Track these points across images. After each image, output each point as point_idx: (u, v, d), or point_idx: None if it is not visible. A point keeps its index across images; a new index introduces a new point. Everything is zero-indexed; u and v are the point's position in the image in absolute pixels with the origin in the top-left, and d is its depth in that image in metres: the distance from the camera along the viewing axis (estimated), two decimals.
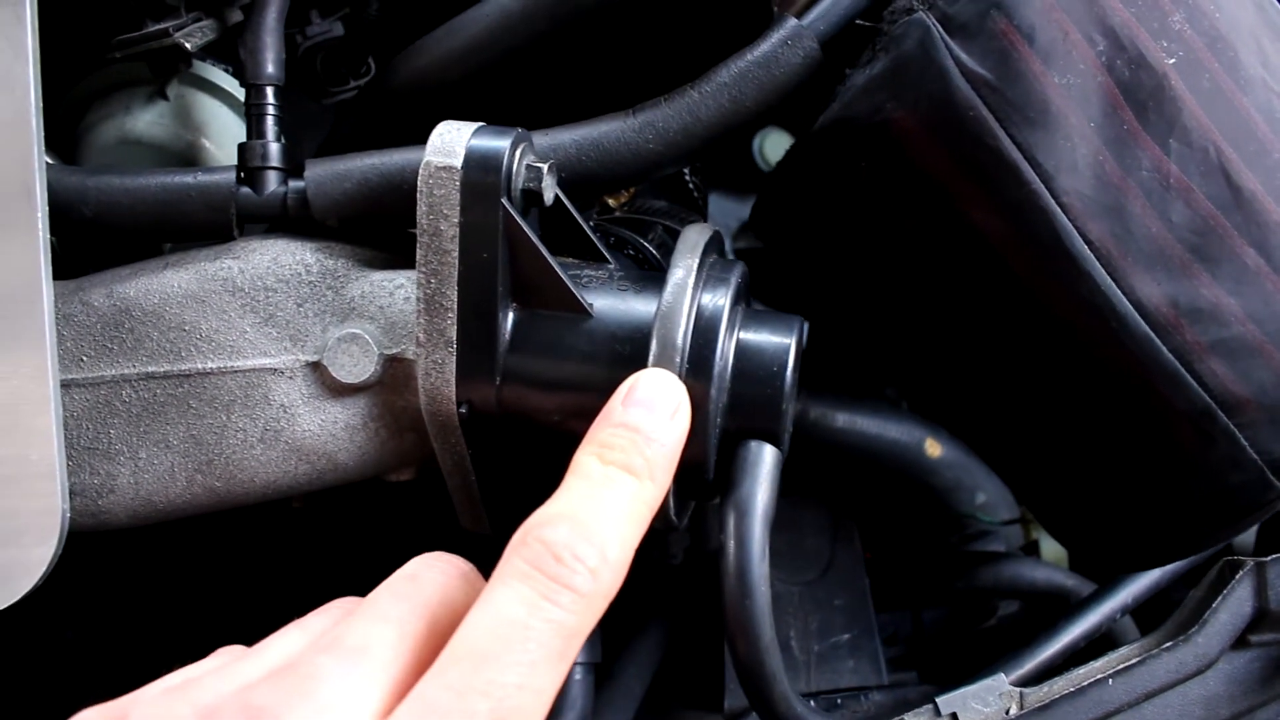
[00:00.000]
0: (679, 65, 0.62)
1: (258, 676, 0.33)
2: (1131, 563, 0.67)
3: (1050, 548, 0.87)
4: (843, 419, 0.88)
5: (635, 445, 0.42)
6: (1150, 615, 0.75)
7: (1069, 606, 0.74)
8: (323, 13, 0.70)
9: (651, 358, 0.51)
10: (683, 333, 0.51)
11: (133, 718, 0.32)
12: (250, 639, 0.38)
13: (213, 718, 0.31)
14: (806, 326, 0.57)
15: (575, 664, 0.73)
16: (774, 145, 1.07)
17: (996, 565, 0.81)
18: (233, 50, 0.67)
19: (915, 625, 0.83)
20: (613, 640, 0.74)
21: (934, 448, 0.91)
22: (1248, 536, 0.82)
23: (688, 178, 0.72)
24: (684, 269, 0.52)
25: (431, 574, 0.38)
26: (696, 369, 0.51)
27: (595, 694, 0.72)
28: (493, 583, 0.36)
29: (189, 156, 0.67)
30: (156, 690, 0.34)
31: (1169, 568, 0.75)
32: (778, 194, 0.67)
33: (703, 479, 0.54)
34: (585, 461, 0.41)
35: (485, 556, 0.85)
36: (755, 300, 0.99)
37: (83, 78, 0.68)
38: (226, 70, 0.69)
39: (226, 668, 0.34)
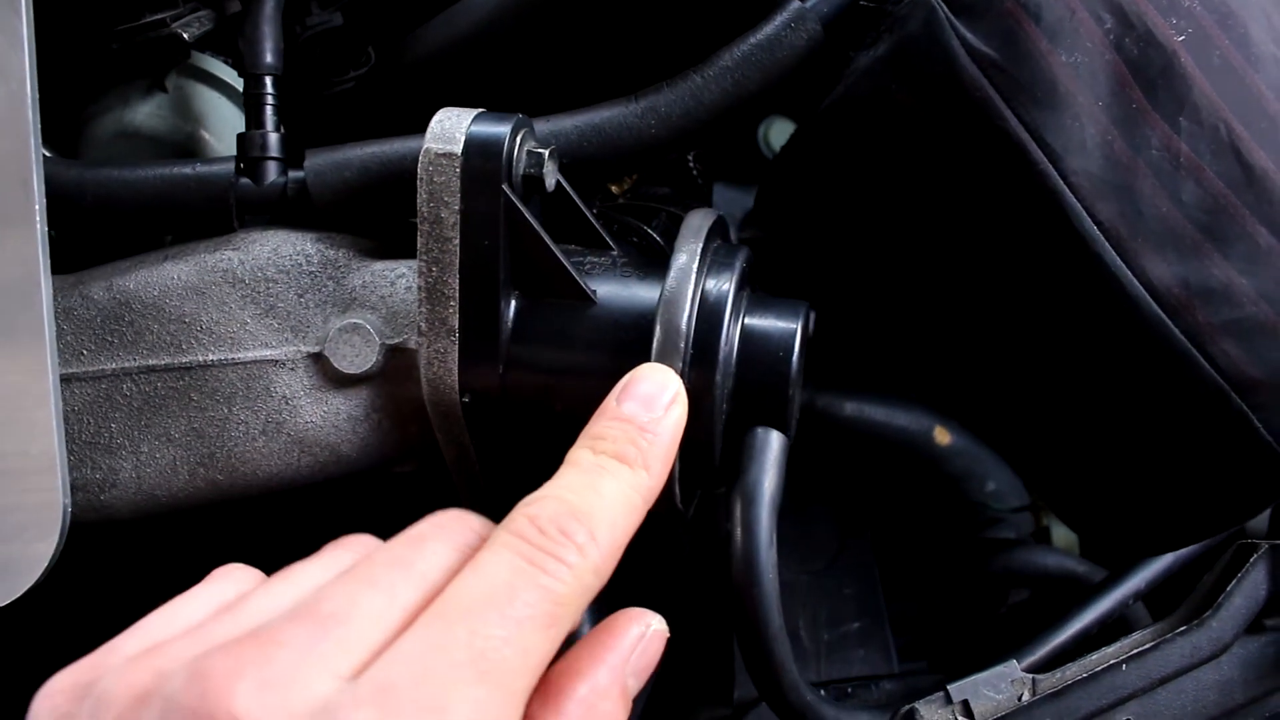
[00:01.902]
0: (682, 49, 0.61)
1: (225, 638, 0.32)
2: (1144, 548, 0.67)
3: (1061, 535, 0.86)
4: (850, 407, 0.87)
5: (628, 435, 0.42)
6: (1162, 601, 0.74)
7: (1081, 592, 0.73)
8: (321, 3, 0.69)
9: (655, 344, 0.50)
10: (687, 318, 0.50)
11: (99, 688, 0.32)
12: None
13: (163, 682, 0.30)
14: (813, 314, 0.56)
15: None
16: (779, 133, 1.06)
17: (1007, 553, 0.80)
18: (232, 42, 0.67)
19: (924, 614, 0.83)
20: None
21: (943, 435, 0.90)
22: (1260, 518, 0.81)
23: (691, 164, 0.72)
24: (687, 254, 0.52)
25: (438, 541, 0.38)
26: (701, 355, 0.51)
27: None
28: (480, 552, 0.36)
29: (188, 148, 0.67)
30: (130, 650, 0.34)
31: (1182, 552, 0.74)
32: (782, 180, 0.66)
33: (709, 465, 0.53)
34: (577, 453, 0.42)
35: None
36: (761, 289, 0.99)
37: (81, 70, 0.67)
38: (226, 62, 0.69)
39: (202, 629, 0.34)
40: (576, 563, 0.36)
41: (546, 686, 0.36)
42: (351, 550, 0.39)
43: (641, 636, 0.40)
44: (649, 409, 0.43)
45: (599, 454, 0.41)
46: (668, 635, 0.41)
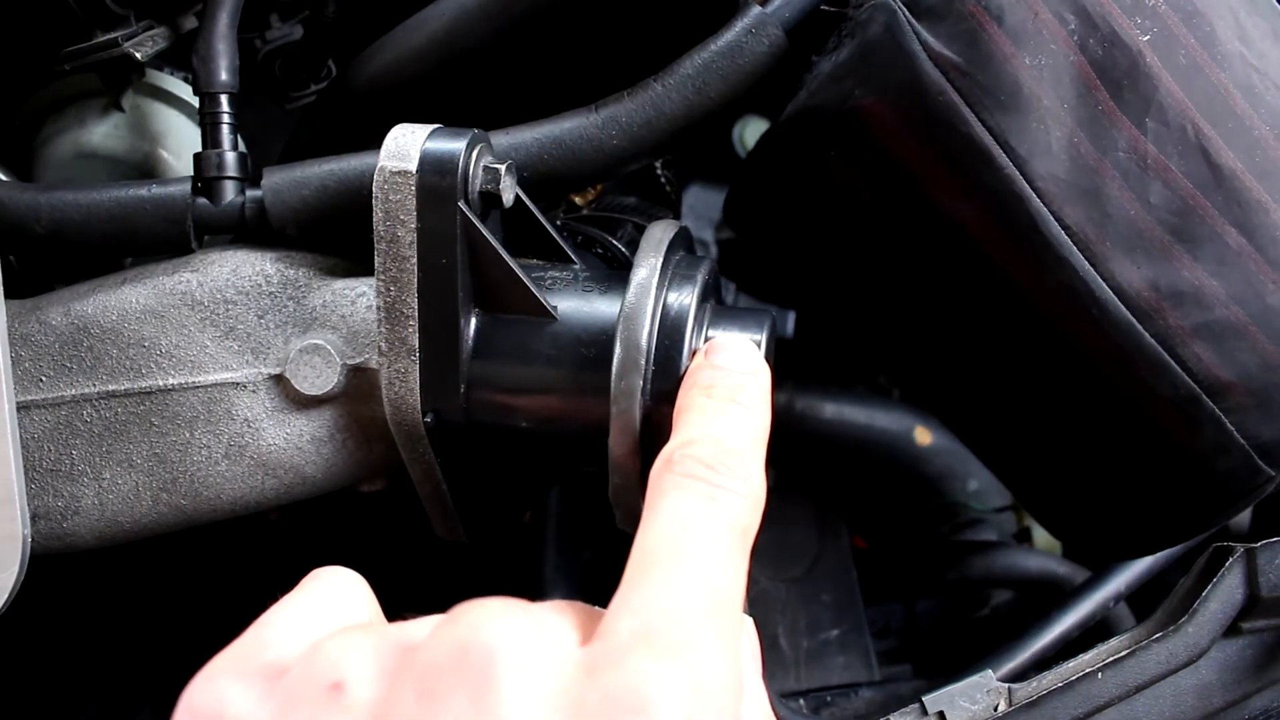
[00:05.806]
0: (644, 57, 0.61)
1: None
2: (1122, 552, 0.66)
3: (1044, 535, 0.86)
4: (830, 409, 0.87)
5: (735, 381, 0.44)
6: (1148, 600, 0.74)
7: (1061, 596, 0.72)
8: (282, 16, 0.68)
9: (616, 361, 0.49)
10: (647, 334, 0.50)
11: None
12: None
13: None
14: (792, 318, 0.56)
15: None
16: (754, 134, 1.05)
17: (988, 555, 0.80)
18: (190, 58, 0.66)
19: (908, 617, 0.82)
20: None
21: (924, 435, 0.89)
22: (1243, 519, 0.81)
23: (659, 171, 0.71)
24: (647, 268, 0.51)
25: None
26: (663, 370, 0.50)
27: None
28: (652, 499, 0.37)
29: (147, 168, 0.66)
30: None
31: (1162, 554, 0.73)
32: (750, 185, 0.65)
33: None
34: (695, 399, 0.44)
35: (462, 562, 0.83)
36: (743, 291, 0.98)
37: (33, 91, 0.66)
38: (185, 78, 0.68)
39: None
40: (746, 492, 0.38)
41: None
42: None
43: None
44: (742, 360, 0.47)
45: (715, 398, 0.43)
46: None
